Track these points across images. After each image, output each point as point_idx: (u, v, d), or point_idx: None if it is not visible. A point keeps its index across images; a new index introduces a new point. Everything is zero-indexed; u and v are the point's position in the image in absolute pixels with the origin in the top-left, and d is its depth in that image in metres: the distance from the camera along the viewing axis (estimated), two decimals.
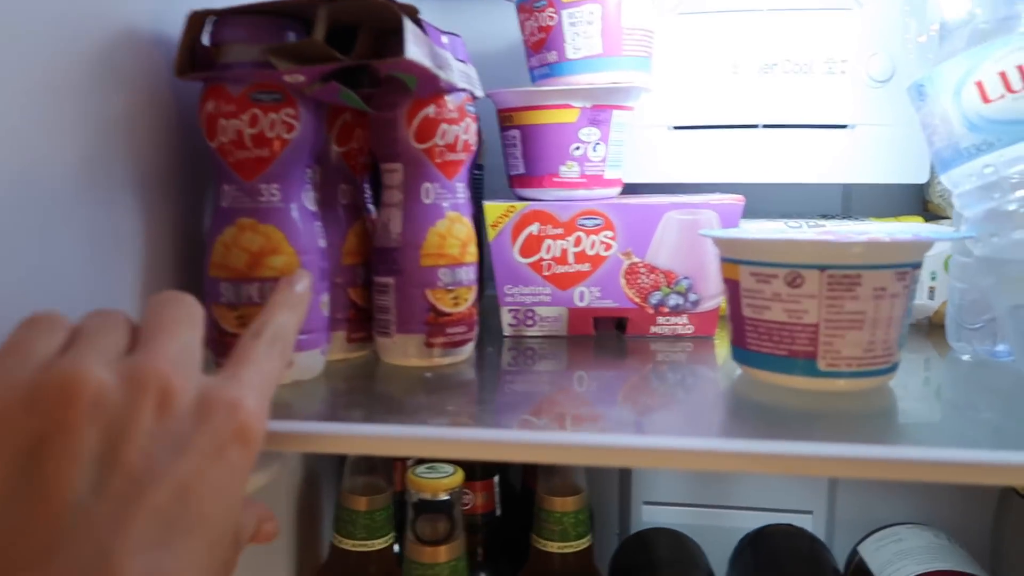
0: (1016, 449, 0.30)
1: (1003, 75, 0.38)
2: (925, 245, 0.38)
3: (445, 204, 0.43)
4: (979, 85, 0.39)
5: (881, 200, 0.68)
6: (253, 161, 0.38)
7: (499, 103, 0.53)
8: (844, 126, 0.61)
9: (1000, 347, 0.44)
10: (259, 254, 0.38)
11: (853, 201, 0.71)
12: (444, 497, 0.49)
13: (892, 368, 0.39)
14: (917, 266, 0.38)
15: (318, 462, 0.64)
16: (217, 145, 0.38)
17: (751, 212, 0.62)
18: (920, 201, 0.67)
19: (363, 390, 0.42)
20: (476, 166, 0.67)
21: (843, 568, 0.69)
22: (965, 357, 0.46)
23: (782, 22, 0.59)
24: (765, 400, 0.39)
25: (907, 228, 0.58)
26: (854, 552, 0.69)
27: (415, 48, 0.36)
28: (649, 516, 0.77)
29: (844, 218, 0.65)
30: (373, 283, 0.44)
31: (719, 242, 0.40)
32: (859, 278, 0.36)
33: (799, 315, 0.37)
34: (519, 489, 0.69)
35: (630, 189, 0.58)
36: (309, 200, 0.40)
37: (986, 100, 0.38)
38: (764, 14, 0.60)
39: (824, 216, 0.66)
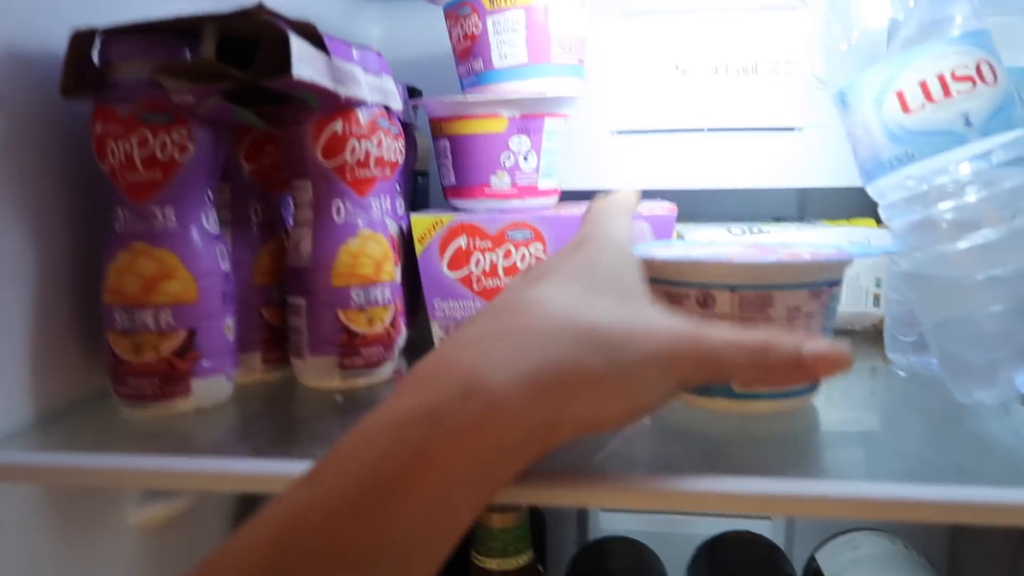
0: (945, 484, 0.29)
1: (923, 84, 0.37)
2: (840, 265, 0.37)
3: (359, 222, 0.42)
4: (900, 95, 0.37)
5: (835, 202, 0.67)
6: (145, 184, 0.36)
7: (429, 112, 0.52)
8: (792, 129, 0.59)
9: (935, 360, 0.43)
10: (153, 279, 0.37)
11: (808, 203, 0.70)
12: None
13: (813, 388, 0.38)
14: (834, 283, 0.37)
15: None
16: (108, 167, 0.37)
17: (704, 215, 0.61)
18: (873, 203, 0.66)
19: (268, 416, 0.41)
20: (420, 173, 0.66)
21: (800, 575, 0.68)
22: (901, 373, 0.45)
23: (727, 22, 0.58)
24: (688, 425, 0.38)
25: (852, 233, 0.56)
26: (811, 559, 0.68)
27: (304, 66, 0.34)
28: (607, 523, 0.77)
29: (798, 221, 0.64)
30: (286, 303, 0.43)
31: None
32: (771, 298, 0.35)
33: None
34: None
35: (573, 196, 0.57)
36: (210, 221, 0.39)
37: (907, 110, 0.37)
38: (709, 14, 0.58)
39: (777, 219, 0.65)
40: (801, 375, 0.29)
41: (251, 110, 0.38)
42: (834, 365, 0.29)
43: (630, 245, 0.34)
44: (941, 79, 0.36)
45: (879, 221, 0.62)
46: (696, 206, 0.61)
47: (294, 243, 0.42)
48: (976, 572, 0.64)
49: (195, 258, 0.37)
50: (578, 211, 0.50)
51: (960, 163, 0.37)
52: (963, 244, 0.37)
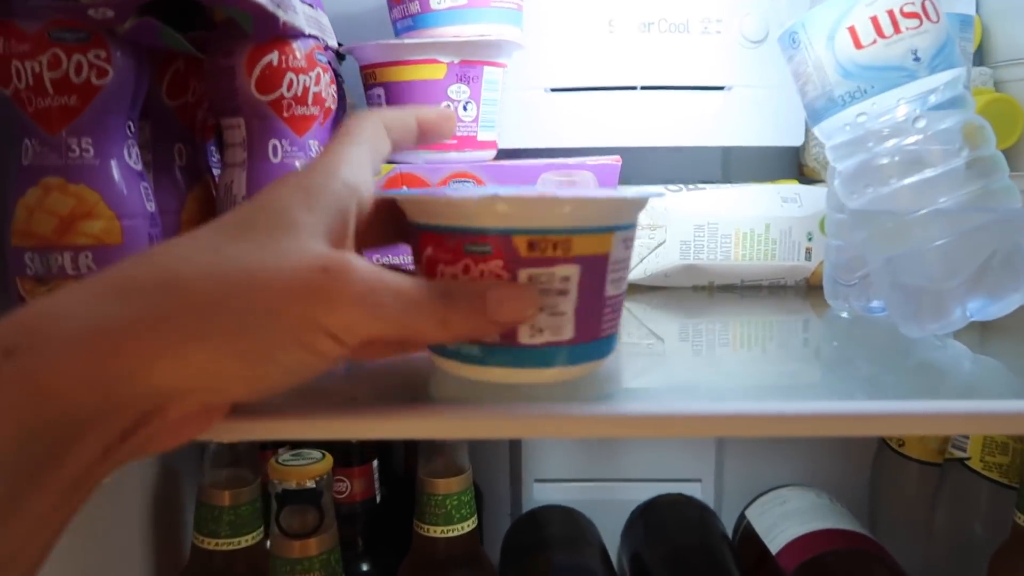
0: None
1: (874, 20, 0.37)
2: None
3: (297, 163, 0.39)
4: (851, 30, 0.38)
5: (759, 164, 0.68)
6: (58, 111, 0.32)
7: (361, 59, 0.49)
8: (721, 88, 0.60)
9: (875, 303, 0.44)
10: (70, 218, 0.33)
11: (732, 165, 0.71)
12: (310, 485, 0.45)
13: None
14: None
15: (175, 454, 0.58)
16: (12, 92, 0.32)
17: (633, 177, 0.60)
18: (796, 165, 0.68)
19: None
20: None
21: (732, 533, 0.69)
22: (843, 314, 0.45)
23: None
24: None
25: (783, 190, 0.57)
26: (742, 516, 0.70)
27: None
28: (541, 494, 0.76)
29: (725, 182, 0.65)
30: None
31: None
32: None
33: None
34: (402, 474, 0.66)
35: (506, 154, 0.56)
36: (132, 157, 0.35)
37: (859, 46, 0.37)
38: None
39: (704, 181, 0.66)
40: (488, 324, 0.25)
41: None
42: (524, 305, 0.25)
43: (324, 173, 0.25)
44: (891, 14, 0.37)
45: (802, 183, 0.63)
46: (625, 166, 0.60)
47: (224, 186, 0.39)
48: (893, 522, 0.67)
49: (118, 195, 0.34)
50: (524, 161, 0.49)
51: (905, 102, 0.38)
52: (907, 180, 0.38)
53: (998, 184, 0.38)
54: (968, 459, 0.59)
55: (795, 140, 0.62)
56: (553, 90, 0.59)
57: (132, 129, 0.35)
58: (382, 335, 0.23)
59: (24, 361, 0.20)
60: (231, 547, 0.50)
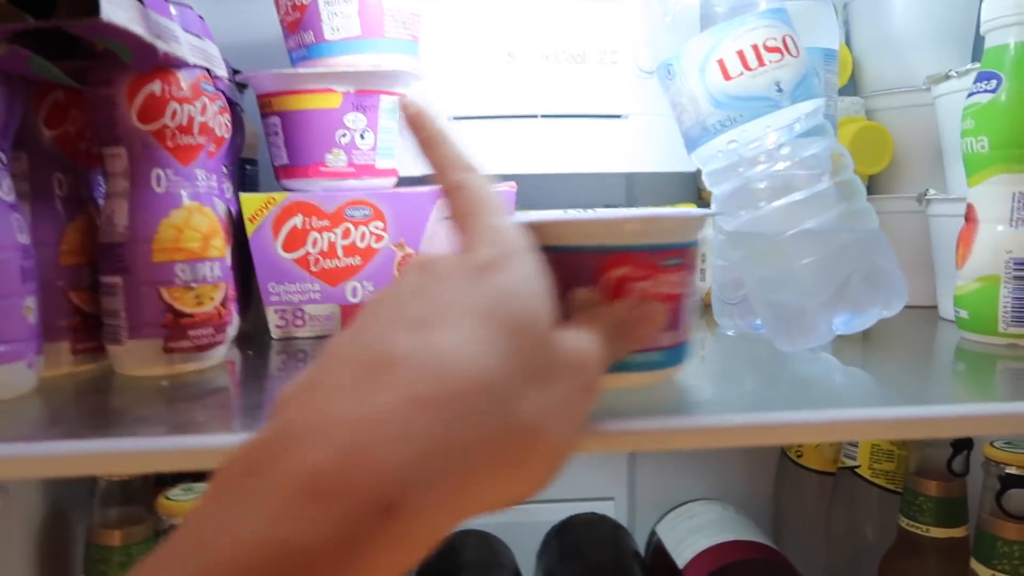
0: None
1: (740, 53, 0.39)
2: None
3: (182, 193, 0.39)
4: (720, 63, 0.40)
5: (660, 188, 0.70)
6: None
7: (257, 88, 0.49)
8: (619, 116, 0.62)
9: (757, 320, 0.46)
10: None
11: (635, 189, 0.73)
12: None
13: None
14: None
15: (64, 495, 0.56)
16: None
17: (538, 203, 0.62)
18: (695, 189, 0.70)
19: (83, 405, 0.36)
20: (248, 161, 0.63)
21: (643, 550, 0.70)
22: (730, 332, 0.47)
23: (556, 9, 0.60)
24: None
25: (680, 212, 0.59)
26: (652, 533, 0.71)
27: (114, 8, 0.31)
28: None
29: (627, 206, 0.67)
30: (100, 284, 0.39)
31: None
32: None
33: None
34: None
35: (410, 182, 0.56)
36: (2, 189, 0.34)
37: (727, 77, 0.40)
38: (538, 1, 0.59)
39: (608, 205, 0.68)
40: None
41: (54, 65, 0.34)
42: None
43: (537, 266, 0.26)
44: (755, 49, 0.39)
45: (699, 205, 0.66)
46: (528, 194, 0.62)
47: (106, 216, 0.38)
48: (795, 531, 0.70)
49: None
50: (420, 189, 0.49)
51: (770, 132, 0.40)
52: (776, 203, 0.40)
53: (858, 206, 0.41)
54: (858, 467, 0.61)
55: (691, 166, 0.64)
56: (455, 119, 0.60)
57: (2, 160, 0.35)
58: None
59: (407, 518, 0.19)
60: None
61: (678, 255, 0.32)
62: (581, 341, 0.25)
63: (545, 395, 0.23)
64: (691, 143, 0.43)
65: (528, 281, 0.24)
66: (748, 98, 0.40)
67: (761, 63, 0.39)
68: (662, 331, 0.32)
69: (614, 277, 0.31)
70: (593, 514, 0.72)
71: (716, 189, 0.43)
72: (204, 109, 0.39)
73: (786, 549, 0.63)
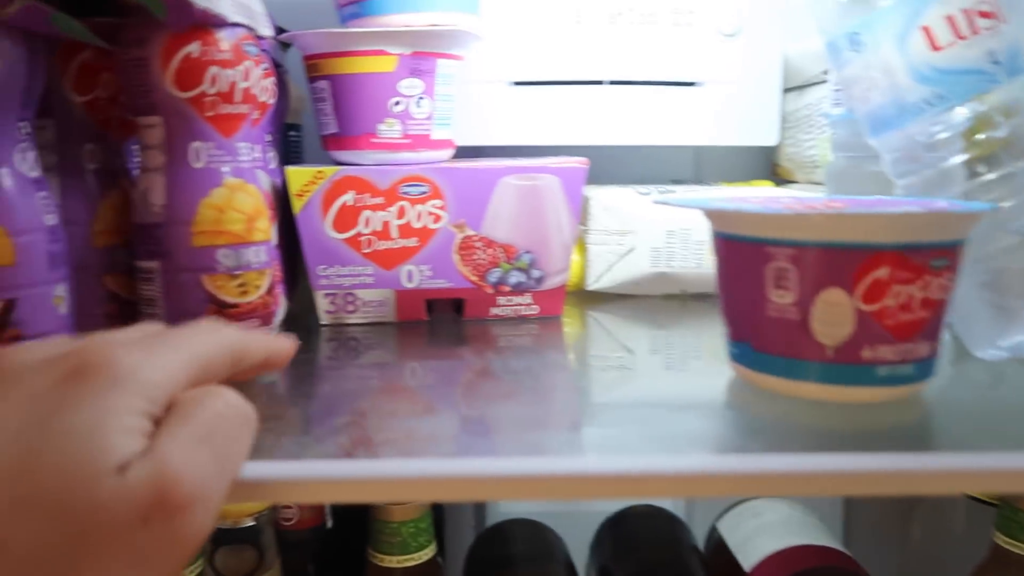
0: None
1: (950, 19, 0.34)
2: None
3: (224, 169, 0.35)
4: (926, 30, 0.34)
5: (731, 163, 0.65)
6: None
7: (303, 48, 0.45)
8: (692, 83, 0.56)
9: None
10: None
11: (704, 164, 0.68)
12: (248, 523, 0.41)
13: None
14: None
15: None
16: None
17: (600, 177, 0.57)
18: (769, 164, 0.65)
19: None
20: (292, 127, 0.58)
21: (703, 546, 0.67)
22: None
23: None
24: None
25: (760, 192, 0.54)
26: (713, 529, 0.67)
27: None
28: (506, 506, 0.73)
29: (696, 183, 0.62)
30: (136, 268, 0.35)
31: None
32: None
33: None
34: None
35: (466, 152, 0.52)
36: (26, 163, 0.30)
37: (935, 47, 0.34)
38: None
39: (676, 181, 0.62)
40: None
41: (81, 22, 0.30)
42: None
43: None
44: (967, 13, 0.33)
45: (777, 183, 0.60)
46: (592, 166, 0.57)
47: (141, 193, 0.34)
48: (867, 535, 0.65)
49: (8, 208, 0.29)
50: (482, 164, 0.45)
51: (990, 108, 0.34)
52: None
53: None
54: None
55: (769, 140, 0.59)
56: (516, 84, 0.55)
57: (26, 130, 0.31)
58: None
59: None
60: None
61: (946, 255, 0.29)
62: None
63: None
64: (880, 125, 0.37)
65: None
66: (960, 71, 0.34)
67: (974, 31, 0.33)
68: (919, 339, 0.29)
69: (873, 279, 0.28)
70: (650, 506, 0.68)
71: (903, 180, 0.37)
72: (247, 74, 0.35)
73: (856, 553, 0.59)
